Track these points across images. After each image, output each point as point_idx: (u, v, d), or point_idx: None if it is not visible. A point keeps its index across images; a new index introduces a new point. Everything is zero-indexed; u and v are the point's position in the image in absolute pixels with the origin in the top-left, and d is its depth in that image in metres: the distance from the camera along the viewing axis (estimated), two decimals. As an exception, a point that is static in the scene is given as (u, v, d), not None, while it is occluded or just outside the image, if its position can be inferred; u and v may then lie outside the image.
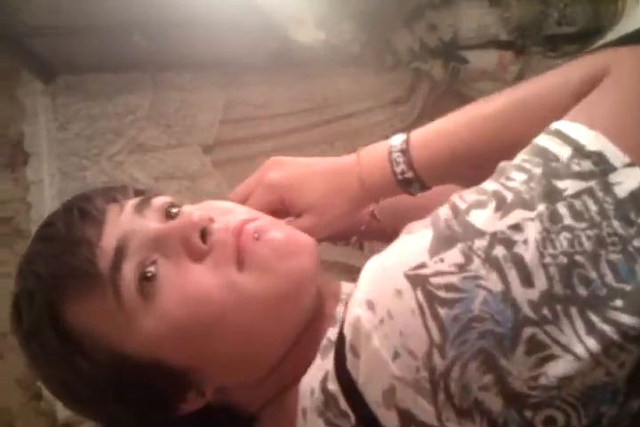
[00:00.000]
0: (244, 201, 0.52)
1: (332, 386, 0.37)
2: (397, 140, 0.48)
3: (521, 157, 0.37)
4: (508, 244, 0.33)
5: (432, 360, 0.32)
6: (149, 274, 0.43)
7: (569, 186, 0.34)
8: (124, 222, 0.46)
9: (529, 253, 0.32)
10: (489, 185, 0.36)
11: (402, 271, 0.35)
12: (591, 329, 0.31)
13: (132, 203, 0.48)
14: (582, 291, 0.31)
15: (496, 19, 1.44)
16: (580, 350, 0.31)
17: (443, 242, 0.34)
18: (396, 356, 0.33)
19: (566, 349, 0.31)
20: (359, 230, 0.56)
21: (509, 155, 0.37)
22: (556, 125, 0.37)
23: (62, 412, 1.34)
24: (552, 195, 0.34)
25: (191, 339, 0.43)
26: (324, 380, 0.38)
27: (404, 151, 0.47)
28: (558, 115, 0.38)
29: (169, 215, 0.48)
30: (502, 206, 0.34)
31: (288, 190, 0.50)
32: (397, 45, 1.47)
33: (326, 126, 1.54)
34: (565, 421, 0.32)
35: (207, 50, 1.36)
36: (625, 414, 0.32)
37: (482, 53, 1.46)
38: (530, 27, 1.42)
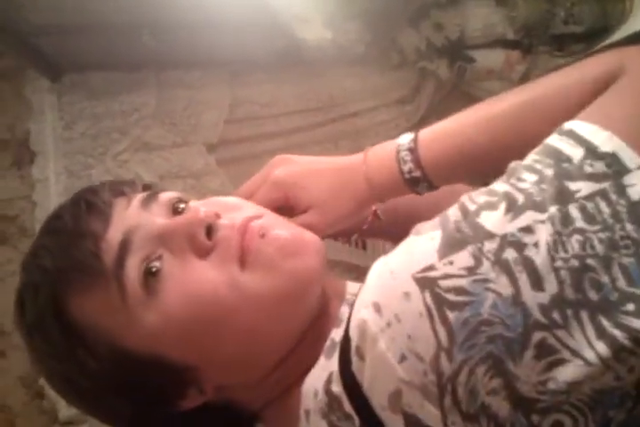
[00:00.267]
0: (249, 198, 0.52)
1: (337, 388, 0.37)
2: (405, 139, 0.47)
3: (532, 157, 0.36)
4: (519, 246, 0.32)
5: (439, 364, 0.32)
6: (154, 269, 0.43)
7: (581, 188, 0.33)
8: (130, 217, 0.45)
9: (540, 257, 0.32)
10: (499, 186, 0.36)
11: (410, 273, 0.34)
12: (602, 334, 0.31)
13: (139, 197, 0.48)
14: (593, 295, 0.31)
15: (503, 18, 1.43)
16: (589, 354, 0.31)
17: (452, 244, 0.34)
18: (402, 359, 0.33)
19: (576, 353, 0.31)
20: (361, 229, 0.55)
21: (520, 155, 0.37)
22: (568, 125, 0.36)
23: (64, 411, 1.34)
24: (564, 197, 0.33)
25: (192, 335, 0.43)
26: (328, 381, 0.38)
27: (412, 150, 0.46)
28: (570, 114, 0.37)
29: (175, 211, 0.48)
30: (513, 208, 0.34)
31: (294, 187, 0.50)
32: (403, 44, 1.47)
33: (331, 125, 1.53)
34: (573, 425, 0.31)
35: (213, 48, 1.36)
36: (633, 418, 0.32)
37: (488, 53, 1.46)
38: (537, 26, 1.41)
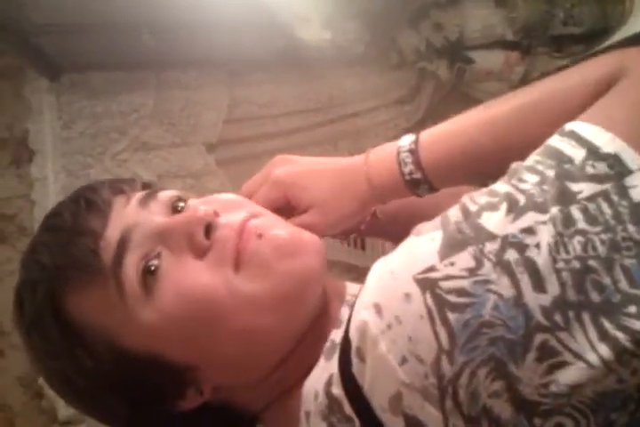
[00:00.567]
0: (250, 198, 0.51)
1: (337, 390, 0.37)
2: (406, 140, 0.47)
3: (534, 158, 0.36)
4: (520, 248, 0.32)
5: (440, 366, 0.32)
6: (152, 267, 0.43)
7: (583, 189, 0.33)
8: (129, 215, 0.45)
9: (541, 258, 0.32)
10: (500, 187, 0.36)
11: (411, 275, 0.34)
12: (604, 336, 0.30)
13: (138, 196, 0.48)
14: (595, 297, 0.31)
15: (502, 19, 1.43)
16: (592, 357, 0.30)
17: (453, 245, 0.34)
18: (403, 361, 0.33)
19: (578, 356, 0.31)
20: (359, 229, 0.55)
21: (521, 156, 0.37)
22: (570, 126, 0.36)
23: (63, 410, 1.34)
24: (565, 198, 0.33)
25: (189, 334, 0.43)
26: (329, 383, 0.38)
27: (413, 151, 0.46)
28: (572, 116, 0.37)
29: (175, 209, 0.47)
30: (514, 209, 0.34)
31: (294, 187, 0.50)
32: (403, 45, 1.47)
33: (331, 126, 1.53)
34: None
35: (212, 48, 1.36)
36: (636, 421, 0.32)
37: (488, 54, 1.46)
38: (536, 27, 1.41)
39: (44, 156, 1.42)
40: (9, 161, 1.43)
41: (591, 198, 0.33)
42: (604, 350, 0.30)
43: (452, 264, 0.33)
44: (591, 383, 0.31)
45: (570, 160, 0.34)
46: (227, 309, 0.43)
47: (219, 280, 0.43)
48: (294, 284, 0.44)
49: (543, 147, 0.36)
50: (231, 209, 0.48)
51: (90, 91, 1.44)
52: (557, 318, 0.31)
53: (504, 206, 0.34)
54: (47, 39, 1.26)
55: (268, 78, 1.50)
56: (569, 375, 0.30)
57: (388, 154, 0.48)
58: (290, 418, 0.42)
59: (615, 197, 0.32)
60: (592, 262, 0.31)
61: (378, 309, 0.34)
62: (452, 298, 0.32)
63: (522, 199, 0.34)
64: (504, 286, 0.32)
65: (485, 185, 0.37)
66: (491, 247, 0.33)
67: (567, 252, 0.32)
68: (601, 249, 0.31)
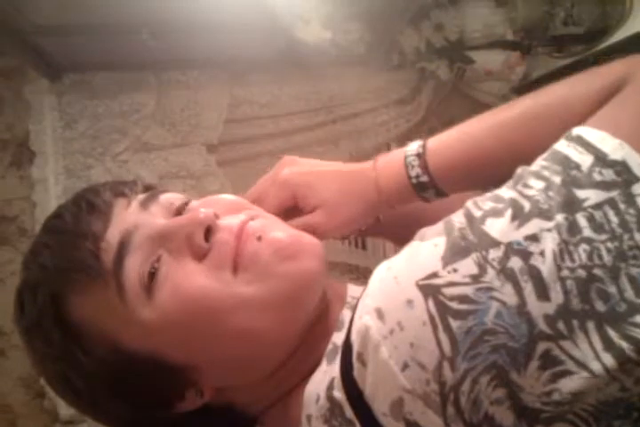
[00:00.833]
0: (258, 200, 0.51)
1: (338, 394, 0.37)
2: (414, 145, 0.47)
3: (539, 163, 0.36)
4: (525, 255, 0.32)
5: (442, 373, 0.32)
6: (153, 270, 0.43)
7: (590, 196, 0.33)
8: (130, 217, 0.45)
9: (546, 266, 0.31)
10: (505, 192, 0.35)
11: (413, 280, 0.34)
12: (609, 345, 0.30)
13: (139, 198, 0.48)
14: (600, 306, 0.30)
15: (502, 19, 1.43)
16: (595, 366, 0.30)
17: (456, 251, 0.34)
18: (405, 367, 0.33)
19: (581, 365, 0.30)
20: (359, 229, 0.55)
21: (529, 162, 0.36)
22: (577, 131, 0.36)
23: (65, 410, 1.35)
24: (571, 205, 0.33)
25: (188, 335, 0.43)
26: (330, 387, 0.38)
27: (420, 155, 0.46)
28: (579, 122, 0.37)
29: (175, 211, 0.47)
30: (519, 215, 0.33)
31: (302, 187, 0.49)
32: (403, 45, 1.47)
33: (331, 126, 1.53)
34: None
35: (213, 49, 1.36)
36: None
37: (488, 53, 1.46)
38: (536, 27, 1.41)
39: (45, 157, 1.42)
40: (9, 162, 1.43)
41: (598, 206, 0.32)
42: (608, 359, 0.30)
43: (456, 271, 0.33)
44: (594, 392, 0.30)
45: (577, 166, 0.34)
46: (225, 310, 0.43)
47: (217, 283, 0.43)
48: (293, 286, 0.44)
49: (549, 152, 0.36)
50: (231, 211, 0.47)
51: (90, 91, 1.44)
52: (561, 326, 0.31)
53: (508, 213, 0.34)
54: (47, 39, 1.26)
55: (268, 79, 1.50)
56: (572, 384, 0.30)
57: (396, 158, 0.48)
58: (291, 420, 0.42)
59: (622, 205, 0.32)
60: (597, 271, 0.31)
61: (380, 314, 0.34)
62: (455, 305, 0.32)
63: (527, 205, 0.34)
64: (507, 294, 0.31)
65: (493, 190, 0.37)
66: (494, 254, 0.32)
67: (572, 260, 0.31)
68: (607, 258, 0.31)
